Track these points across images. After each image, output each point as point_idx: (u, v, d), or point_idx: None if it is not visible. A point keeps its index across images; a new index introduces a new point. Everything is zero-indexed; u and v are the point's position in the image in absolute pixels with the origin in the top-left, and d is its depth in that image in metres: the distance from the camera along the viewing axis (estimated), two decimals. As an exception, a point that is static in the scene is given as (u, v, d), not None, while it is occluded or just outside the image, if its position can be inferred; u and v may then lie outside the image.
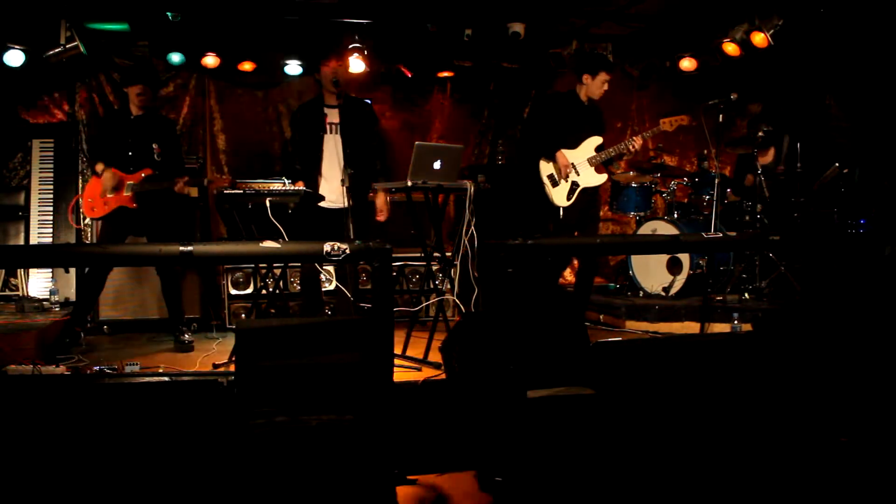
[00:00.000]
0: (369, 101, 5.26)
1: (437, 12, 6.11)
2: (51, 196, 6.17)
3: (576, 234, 5.38)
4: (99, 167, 4.87)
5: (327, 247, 3.14)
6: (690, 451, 3.39)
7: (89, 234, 6.07)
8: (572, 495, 3.15)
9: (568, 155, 5.31)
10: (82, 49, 5.56)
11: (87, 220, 5.57)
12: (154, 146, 4.93)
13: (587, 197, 5.35)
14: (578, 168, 5.29)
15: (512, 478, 3.14)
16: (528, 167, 5.46)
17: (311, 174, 4.85)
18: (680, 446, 3.39)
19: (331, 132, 4.89)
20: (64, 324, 4.91)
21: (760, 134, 5.91)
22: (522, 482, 3.14)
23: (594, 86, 5.34)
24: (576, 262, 6.60)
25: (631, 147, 5.28)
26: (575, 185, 5.27)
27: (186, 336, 4.92)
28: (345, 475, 3.03)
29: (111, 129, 5.01)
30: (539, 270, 5.33)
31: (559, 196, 5.29)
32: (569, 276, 7.20)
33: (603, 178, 5.37)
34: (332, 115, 4.89)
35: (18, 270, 6.02)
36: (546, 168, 5.34)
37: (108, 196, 4.84)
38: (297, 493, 2.98)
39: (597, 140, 5.35)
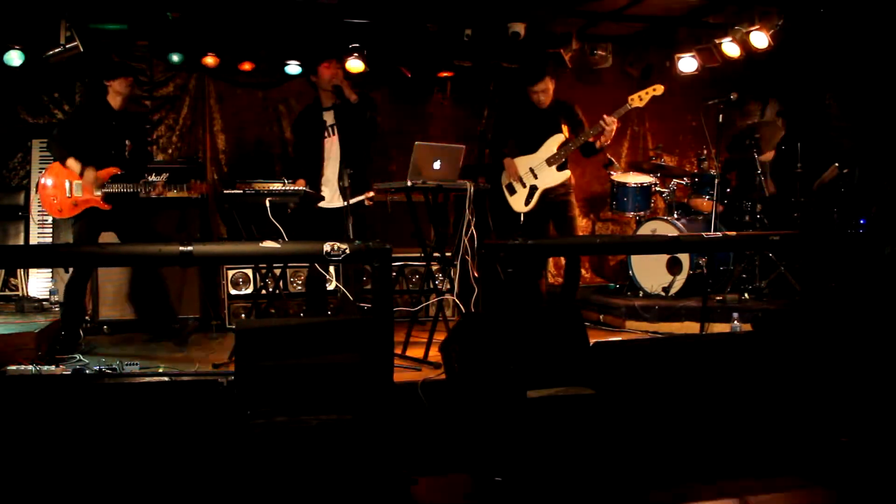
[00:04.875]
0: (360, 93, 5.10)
1: (437, 12, 6.11)
2: (51, 196, 6.16)
3: (553, 233, 5.40)
4: (73, 164, 4.59)
5: (327, 247, 3.15)
6: (690, 451, 3.39)
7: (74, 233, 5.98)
8: (572, 495, 3.15)
9: (525, 160, 5.32)
10: (82, 49, 5.56)
11: (41, 218, 5.39)
12: (126, 142, 4.79)
13: (555, 197, 5.34)
14: (536, 171, 5.30)
15: (512, 478, 3.14)
16: (491, 175, 5.49)
17: (315, 178, 4.85)
18: (680, 446, 3.39)
19: (330, 135, 4.90)
20: (60, 326, 4.92)
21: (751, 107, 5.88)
22: (522, 482, 3.13)
23: (535, 100, 5.34)
24: (562, 261, 6.58)
25: (603, 125, 5.08)
26: (534, 188, 5.27)
27: (182, 331, 4.89)
28: (345, 475, 3.03)
29: (90, 123, 4.77)
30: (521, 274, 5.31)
31: (517, 203, 5.35)
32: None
33: (564, 175, 5.33)
34: (329, 118, 4.91)
35: (18, 270, 6.02)
36: (503, 177, 5.42)
37: (77, 195, 4.64)
38: (298, 494, 2.98)
39: (558, 139, 5.33)
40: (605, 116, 5.13)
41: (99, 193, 4.67)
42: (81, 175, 4.62)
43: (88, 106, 5.25)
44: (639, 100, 5.18)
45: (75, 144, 4.68)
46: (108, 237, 4.92)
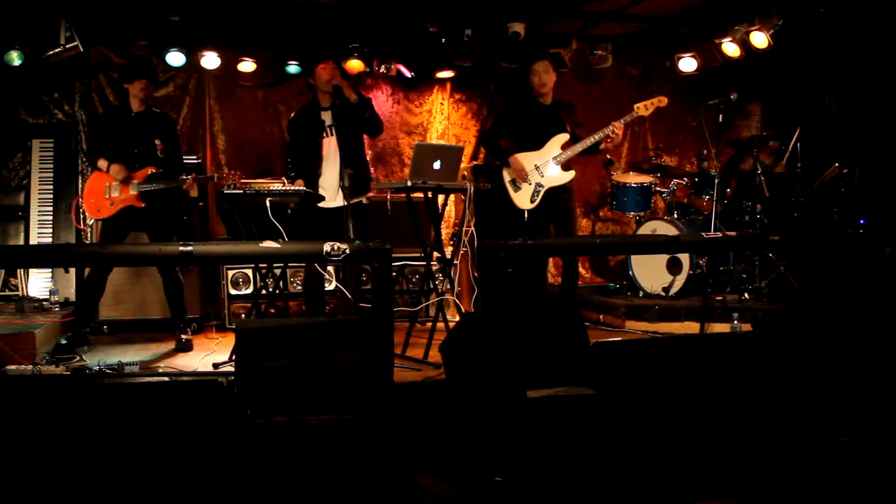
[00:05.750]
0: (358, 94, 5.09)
1: (437, 12, 6.11)
2: (51, 196, 6.17)
3: (552, 233, 5.40)
4: (102, 163, 4.81)
5: (327, 247, 3.15)
6: (690, 451, 3.39)
7: (89, 235, 6.05)
8: (572, 495, 3.15)
9: (530, 157, 5.31)
10: (82, 49, 5.56)
11: (91, 221, 5.54)
12: (157, 142, 4.90)
13: (557, 196, 5.35)
14: (542, 169, 5.28)
15: (512, 478, 3.14)
16: (491, 173, 5.48)
17: (313, 178, 4.86)
18: (680, 446, 3.39)
19: (328, 135, 4.91)
20: (67, 325, 4.92)
21: (771, 143, 5.91)
22: (522, 482, 3.13)
23: (534, 81, 5.31)
24: (559, 261, 6.59)
25: (611, 132, 5.14)
26: (539, 186, 5.26)
27: (184, 336, 4.91)
28: (345, 475, 3.03)
29: (112, 127, 4.95)
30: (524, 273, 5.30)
31: (522, 200, 5.31)
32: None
33: (569, 175, 5.32)
34: (328, 118, 4.91)
35: (18, 270, 6.02)
36: (507, 174, 5.38)
37: (114, 195, 4.79)
38: (298, 494, 2.98)
39: (562, 138, 5.32)
40: (614, 123, 5.17)
41: (135, 192, 4.79)
42: (108, 171, 4.79)
43: (112, 111, 5.46)
44: (644, 109, 5.26)
45: (105, 149, 4.89)
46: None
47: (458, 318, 5.26)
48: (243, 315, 5.69)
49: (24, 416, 2.99)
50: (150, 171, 4.83)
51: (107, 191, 4.82)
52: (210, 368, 4.29)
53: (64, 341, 4.73)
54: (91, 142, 4.98)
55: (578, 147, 5.26)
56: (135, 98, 4.93)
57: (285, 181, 4.78)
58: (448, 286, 4.81)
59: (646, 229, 6.06)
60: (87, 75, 6.38)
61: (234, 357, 4.09)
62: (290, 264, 5.54)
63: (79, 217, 5.69)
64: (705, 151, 6.44)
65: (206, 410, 3.12)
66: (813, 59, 6.62)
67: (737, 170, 6.26)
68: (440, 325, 4.61)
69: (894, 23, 5.79)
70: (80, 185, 6.15)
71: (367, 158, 5.40)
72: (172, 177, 4.83)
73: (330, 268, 5.15)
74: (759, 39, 6.10)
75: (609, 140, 5.22)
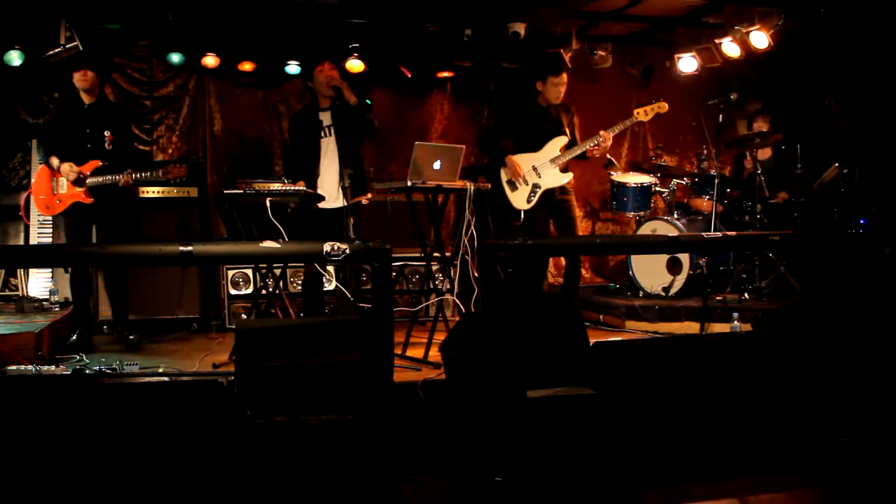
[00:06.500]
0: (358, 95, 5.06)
1: (437, 12, 6.11)
2: (51, 196, 6.16)
3: (553, 233, 5.40)
4: (54, 160, 4.71)
5: (327, 247, 3.15)
6: (690, 451, 3.40)
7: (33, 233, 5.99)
8: (572, 495, 3.15)
9: (528, 158, 5.32)
10: (82, 49, 5.56)
11: (44, 218, 5.51)
12: (106, 133, 4.77)
13: (556, 197, 5.35)
14: (540, 170, 5.30)
15: (512, 478, 3.14)
16: (490, 173, 5.50)
17: (312, 178, 4.86)
18: (680, 446, 3.40)
19: (326, 135, 4.91)
20: (67, 324, 4.92)
21: (758, 140, 5.93)
22: (522, 482, 3.14)
23: (548, 91, 5.35)
24: (562, 261, 6.61)
25: (600, 142, 5.21)
26: (536, 187, 5.28)
27: (132, 336, 4.88)
28: (345, 475, 3.03)
29: (64, 121, 4.83)
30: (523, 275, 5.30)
31: (518, 200, 5.34)
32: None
33: (567, 177, 5.36)
34: (326, 118, 4.92)
35: (18, 270, 6.02)
36: (504, 174, 5.40)
37: (61, 192, 4.70)
38: (298, 494, 2.98)
39: (562, 140, 5.35)
40: (602, 133, 5.22)
41: (81, 189, 4.70)
42: (58, 170, 4.70)
43: (63, 104, 5.25)
44: (644, 114, 5.31)
45: (55, 143, 4.80)
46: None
47: (458, 318, 5.27)
48: (243, 315, 5.69)
49: (24, 416, 2.99)
50: (96, 164, 4.70)
51: (53, 187, 4.74)
52: (210, 368, 4.29)
53: (72, 339, 4.76)
54: (45, 136, 4.86)
55: (576, 150, 5.30)
56: (80, 89, 4.77)
57: (285, 181, 4.78)
58: (448, 286, 4.81)
59: (646, 229, 6.06)
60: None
61: (234, 357, 4.09)
62: (290, 264, 5.54)
63: (28, 212, 5.67)
64: (705, 151, 6.44)
65: (206, 410, 3.12)
66: (813, 59, 6.63)
67: (740, 179, 6.27)
68: (440, 325, 4.61)
69: (894, 23, 5.79)
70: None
71: (367, 158, 5.41)
72: (119, 170, 4.67)
73: (330, 268, 5.15)
74: (759, 39, 6.11)
75: (596, 148, 5.27)
